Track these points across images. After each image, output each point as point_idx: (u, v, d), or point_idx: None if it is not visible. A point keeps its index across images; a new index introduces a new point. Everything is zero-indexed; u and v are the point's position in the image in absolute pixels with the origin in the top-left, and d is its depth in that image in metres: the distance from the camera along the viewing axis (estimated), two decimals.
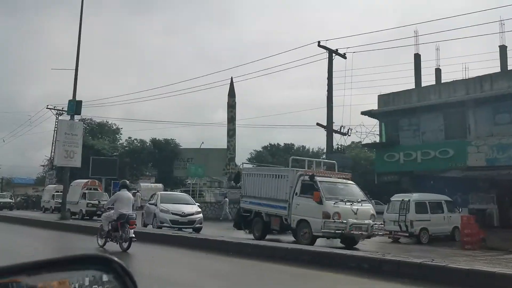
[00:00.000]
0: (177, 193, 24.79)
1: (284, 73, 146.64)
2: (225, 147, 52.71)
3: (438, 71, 30.08)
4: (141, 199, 40.41)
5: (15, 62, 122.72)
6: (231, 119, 38.71)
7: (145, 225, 18.11)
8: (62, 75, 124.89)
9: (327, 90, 23.41)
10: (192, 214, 17.70)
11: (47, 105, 51.39)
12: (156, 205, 17.98)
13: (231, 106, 38.62)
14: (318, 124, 22.74)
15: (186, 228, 17.17)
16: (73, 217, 25.17)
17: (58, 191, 35.13)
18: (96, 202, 25.63)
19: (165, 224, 17.17)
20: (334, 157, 22.46)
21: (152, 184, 44.65)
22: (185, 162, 51.73)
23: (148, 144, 52.76)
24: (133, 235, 10.37)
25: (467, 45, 54.27)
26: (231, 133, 38.49)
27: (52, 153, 49.73)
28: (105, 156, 49.15)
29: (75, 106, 20.02)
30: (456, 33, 56.19)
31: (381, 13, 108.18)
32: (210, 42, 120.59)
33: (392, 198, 19.01)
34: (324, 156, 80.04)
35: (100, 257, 1.35)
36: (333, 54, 23.76)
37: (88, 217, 25.03)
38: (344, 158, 22.46)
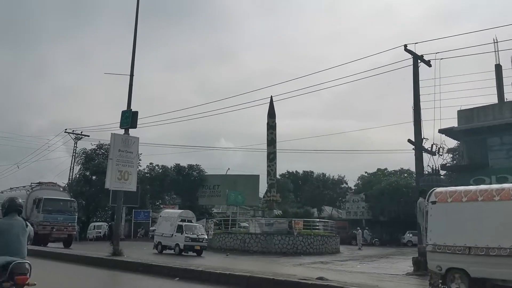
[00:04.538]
0: None
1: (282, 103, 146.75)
2: (253, 173, 49.25)
3: None
4: None
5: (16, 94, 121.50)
6: (271, 142, 35.10)
7: None
8: (62, 106, 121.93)
9: (414, 102, 19.99)
10: None
11: (65, 129, 48.05)
12: None
13: (271, 128, 35.08)
14: (409, 140, 19.19)
15: None
16: None
17: (185, 220, 24.59)
18: None
19: None
20: (428, 180, 18.84)
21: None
22: (211, 190, 48.06)
23: (170, 170, 49.06)
24: None
25: None
26: (271, 157, 34.78)
27: (69, 180, 45.97)
28: None
29: (130, 118, 16.34)
30: None
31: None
32: (210, 78, 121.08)
33: None
34: (345, 185, 76.77)
35: None
36: (418, 61, 20.46)
37: None
38: (440, 181, 18.78)
